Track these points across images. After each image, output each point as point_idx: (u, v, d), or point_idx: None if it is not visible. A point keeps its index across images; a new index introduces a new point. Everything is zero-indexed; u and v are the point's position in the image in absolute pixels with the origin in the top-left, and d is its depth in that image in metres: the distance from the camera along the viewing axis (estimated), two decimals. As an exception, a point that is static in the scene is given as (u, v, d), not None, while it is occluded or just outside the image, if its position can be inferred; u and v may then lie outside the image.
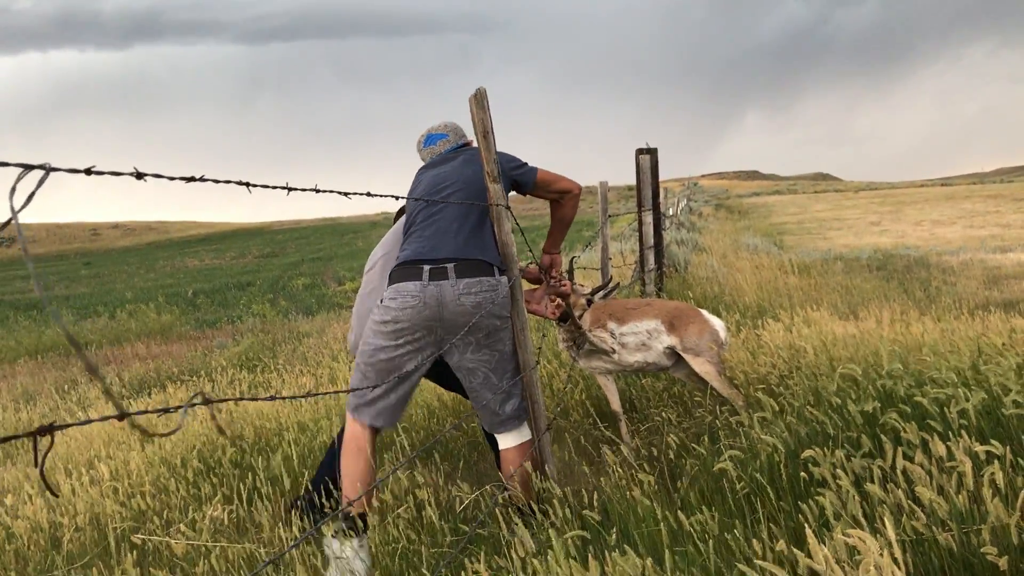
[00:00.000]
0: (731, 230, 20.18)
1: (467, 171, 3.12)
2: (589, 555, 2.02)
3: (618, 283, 4.50)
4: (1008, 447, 2.15)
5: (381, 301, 2.92)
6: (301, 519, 3.11)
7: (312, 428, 4.41)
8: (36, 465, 0.66)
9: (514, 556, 2.25)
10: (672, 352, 3.90)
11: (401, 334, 2.84)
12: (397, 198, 2.87)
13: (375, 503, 2.93)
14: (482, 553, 2.25)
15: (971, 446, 2.15)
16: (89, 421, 0.80)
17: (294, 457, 3.89)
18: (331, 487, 3.17)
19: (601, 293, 4.03)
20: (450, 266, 2.84)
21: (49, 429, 0.72)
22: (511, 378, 3.05)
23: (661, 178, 7.72)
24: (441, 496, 3.20)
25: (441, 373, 3.35)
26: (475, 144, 3.39)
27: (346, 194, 2.23)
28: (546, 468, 3.16)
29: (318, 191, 2.06)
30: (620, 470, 2.95)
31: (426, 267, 2.84)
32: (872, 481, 2.23)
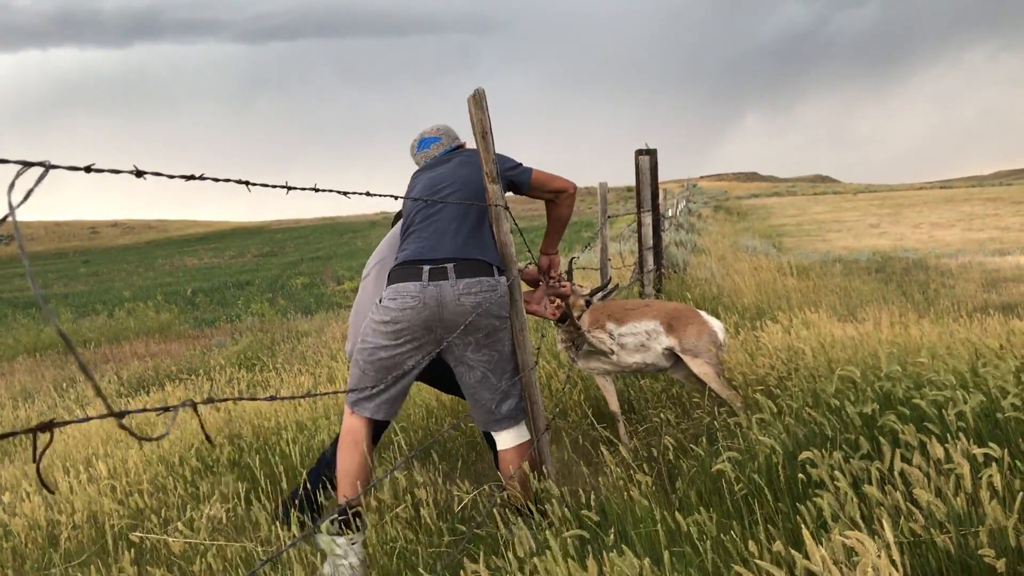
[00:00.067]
0: (730, 232, 20.19)
1: (463, 172, 3.12)
2: (587, 555, 2.02)
3: (617, 284, 4.51)
4: (1006, 450, 2.15)
5: (380, 301, 2.92)
6: (298, 515, 3.11)
7: (310, 427, 4.41)
8: (35, 461, 0.66)
9: (512, 556, 2.25)
10: (671, 353, 3.90)
11: (401, 334, 2.84)
12: (396, 198, 2.87)
13: (373, 502, 2.93)
14: (481, 553, 2.24)
15: (969, 448, 2.16)
16: (89, 419, 0.80)
17: (292, 456, 3.89)
18: (327, 483, 3.17)
19: (600, 294, 4.03)
20: (450, 266, 2.84)
21: (49, 426, 0.72)
22: (510, 378, 3.05)
23: (660, 179, 7.72)
24: (439, 496, 3.19)
25: (438, 376, 3.35)
26: (469, 146, 3.40)
27: (345, 193, 2.23)
28: (544, 468, 3.16)
29: (317, 190, 2.06)
30: (618, 470, 2.95)
31: (426, 267, 2.84)
32: (870, 483, 2.23)
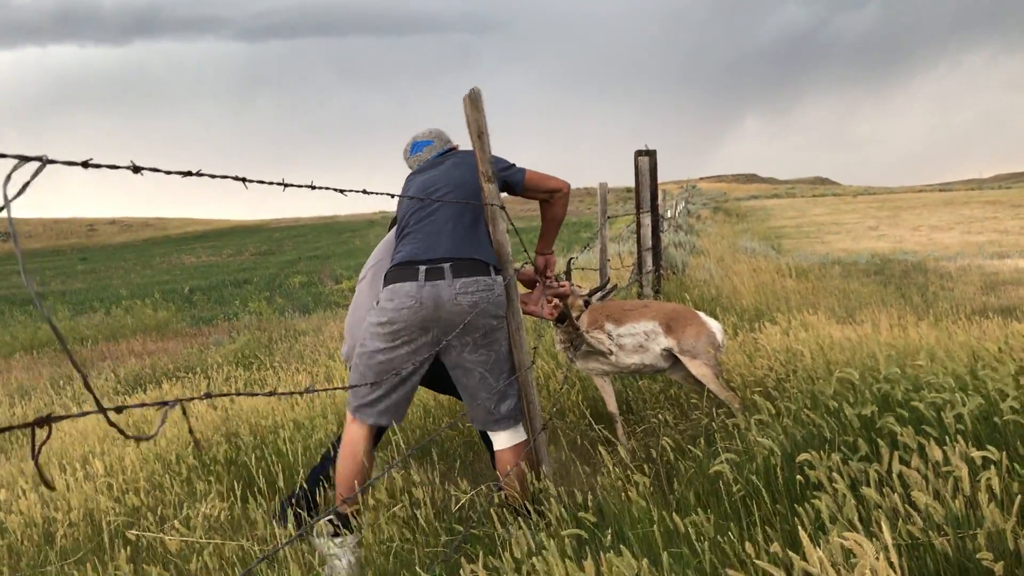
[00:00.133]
0: (729, 233, 20.19)
1: (456, 173, 3.12)
2: (585, 556, 2.02)
3: (615, 284, 4.50)
4: (1004, 452, 2.15)
5: (377, 302, 2.92)
6: (295, 516, 3.11)
7: (308, 426, 4.40)
8: (32, 457, 0.65)
9: (509, 556, 2.24)
10: (669, 354, 3.90)
11: (398, 335, 2.84)
12: (393, 196, 2.87)
13: (370, 500, 2.93)
14: (480, 554, 2.24)
15: (967, 451, 2.15)
16: (87, 413, 0.79)
17: (289, 455, 3.88)
18: (325, 486, 3.17)
19: (599, 294, 4.02)
20: (446, 266, 2.84)
21: (46, 420, 0.71)
22: (507, 378, 3.05)
23: (660, 180, 7.72)
24: (436, 495, 3.19)
25: (434, 377, 3.35)
26: (461, 148, 3.40)
27: (342, 191, 2.23)
28: (542, 468, 3.16)
29: (314, 188, 2.06)
30: (616, 471, 2.95)
31: (422, 267, 2.84)
32: (868, 485, 2.23)
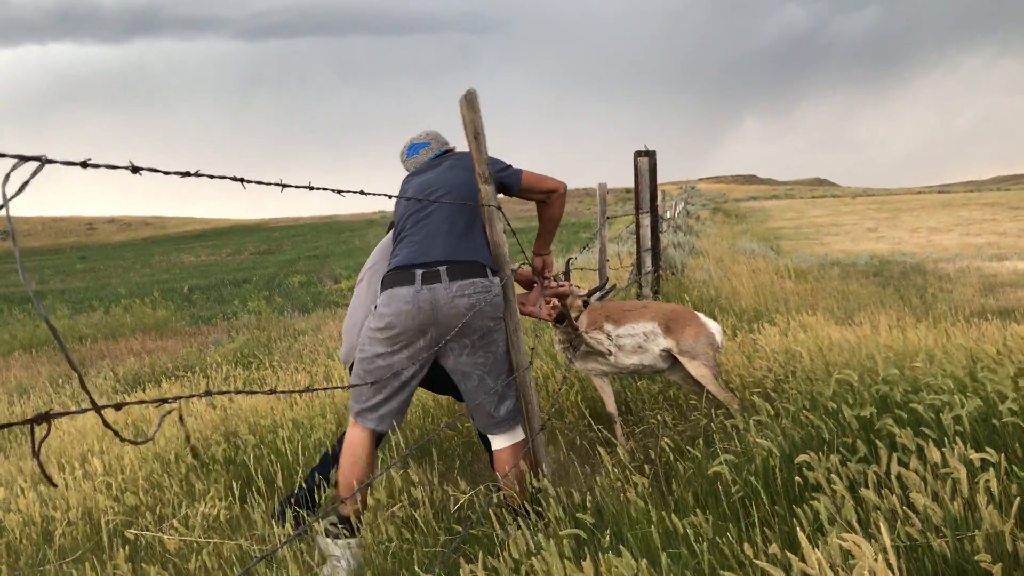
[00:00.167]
0: (728, 234, 20.20)
1: (452, 175, 3.13)
2: (583, 557, 2.02)
3: (614, 285, 4.50)
4: (1003, 455, 2.15)
5: (375, 308, 2.93)
6: (294, 516, 3.11)
7: (306, 425, 4.40)
8: (33, 455, 0.65)
9: (508, 557, 2.24)
10: (668, 355, 3.90)
11: (397, 339, 2.85)
12: (390, 197, 2.87)
13: (369, 500, 2.93)
14: (480, 554, 2.24)
15: (966, 453, 2.15)
16: (87, 410, 0.79)
17: (288, 454, 3.88)
18: (324, 486, 3.17)
19: (597, 295, 4.02)
20: (442, 269, 2.84)
21: (45, 417, 0.71)
22: (506, 380, 3.06)
23: (659, 181, 7.72)
24: (435, 495, 3.19)
25: (432, 379, 3.35)
26: (458, 150, 3.40)
27: (339, 192, 2.23)
28: (541, 468, 3.16)
29: (311, 188, 2.06)
30: (615, 471, 2.95)
31: (418, 271, 2.85)
32: (867, 486, 2.23)
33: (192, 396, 1.00)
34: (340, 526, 2.87)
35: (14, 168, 0.91)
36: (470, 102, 2.89)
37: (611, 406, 4.04)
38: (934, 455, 2.17)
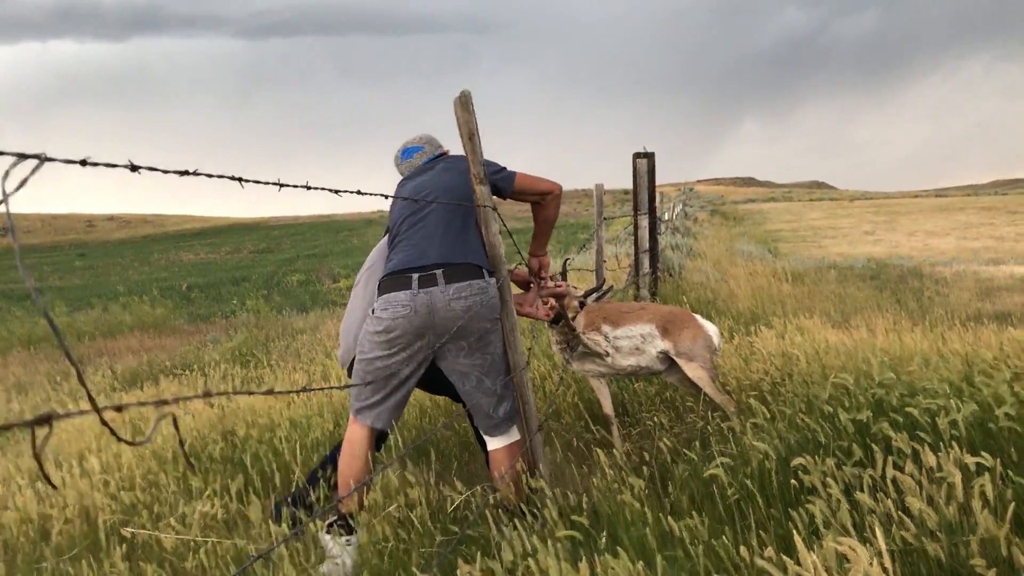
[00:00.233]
0: (726, 236, 20.21)
1: (445, 178, 3.14)
2: (580, 558, 2.02)
3: (611, 286, 4.50)
4: (998, 459, 2.15)
5: (373, 311, 2.94)
6: (291, 516, 3.11)
7: (304, 425, 4.41)
8: (34, 456, 0.65)
9: (504, 557, 2.25)
10: (665, 357, 3.90)
11: (395, 343, 2.87)
12: (386, 197, 2.88)
13: (366, 501, 2.94)
14: (478, 555, 2.24)
15: (961, 457, 2.16)
16: (87, 412, 0.79)
17: (285, 453, 3.88)
18: (323, 485, 3.18)
19: (594, 295, 4.03)
20: (439, 272, 2.85)
21: (47, 419, 0.71)
22: (504, 381, 3.07)
23: (657, 183, 7.73)
24: (431, 496, 3.20)
25: (430, 380, 3.36)
26: (452, 153, 3.41)
27: (337, 192, 2.24)
28: (538, 469, 3.16)
29: (309, 188, 2.07)
30: (611, 473, 2.95)
31: (415, 275, 2.86)
32: (862, 490, 2.24)
33: (191, 398, 1.01)
34: (339, 523, 2.88)
35: (14, 165, 0.91)
36: (464, 103, 2.90)
37: (608, 407, 4.04)
38: (930, 459, 2.17)
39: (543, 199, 3.30)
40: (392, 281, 2.90)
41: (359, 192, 2.43)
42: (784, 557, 1.77)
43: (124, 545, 3.07)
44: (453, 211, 3.00)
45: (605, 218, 7.36)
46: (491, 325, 2.98)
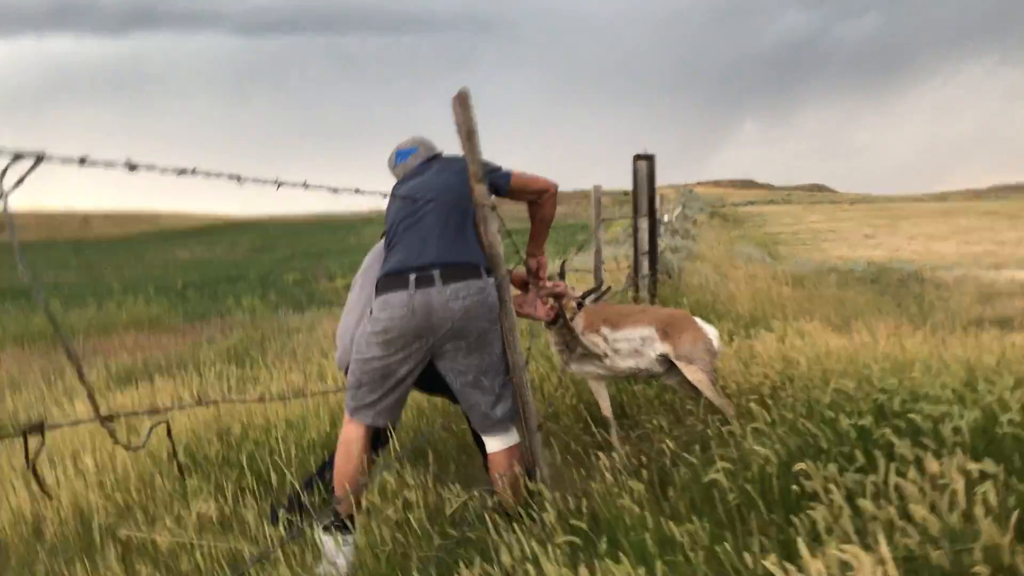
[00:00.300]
0: (725, 239, 20.23)
1: (441, 178, 3.13)
2: (579, 562, 2.00)
3: (609, 287, 4.49)
4: (1002, 466, 2.14)
5: (371, 312, 2.93)
6: (288, 516, 3.09)
7: (300, 425, 4.38)
8: (28, 466, 0.63)
9: (503, 560, 2.23)
10: (665, 359, 3.88)
11: (393, 343, 2.85)
12: (384, 195, 2.87)
13: (364, 503, 2.92)
14: (477, 558, 2.22)
15: (964, 464, 2.14)
16: (79, 422, 0.77)
17: (281, 453, 3.86)
18: (320, 488, 3.16)
19: (592, 296, 4.01)
20: (436, 272, 2.83)
21: (39, 427, 0.69)
22: (502, 381, 3.05)
23: (657, 184, 7.72)
24: (429, 498, 3.17)
25: (427, 380, 3.34)
26: (446, 155, 3.39)
27: (334, 190, 2.24)
28: (536, 471, 3.14)
29: (306, 186, 2.07)
30: (610, 476, 2.93)
31: (412, 275, 2.84)
32: (864, 496, 2.22)
33: (184, 406, 0.99)
34: (335, 523, 2.86)
35: (11, 163, 0.89)
36: (463, 101, 2.88)
37: (606, 409, 4.03)
38: (932, 466, 2.16)
39: (539, 198, 3.28)
40: (389, 281, 2.88)
41: (357, 190, 2.42)
42: (786, 563, 1.75)
43: (119, 546, 3.04)
44: (450, 211, 2.99)
45: (604, 220, 7.35)
46: (490, 325, 2.96)
